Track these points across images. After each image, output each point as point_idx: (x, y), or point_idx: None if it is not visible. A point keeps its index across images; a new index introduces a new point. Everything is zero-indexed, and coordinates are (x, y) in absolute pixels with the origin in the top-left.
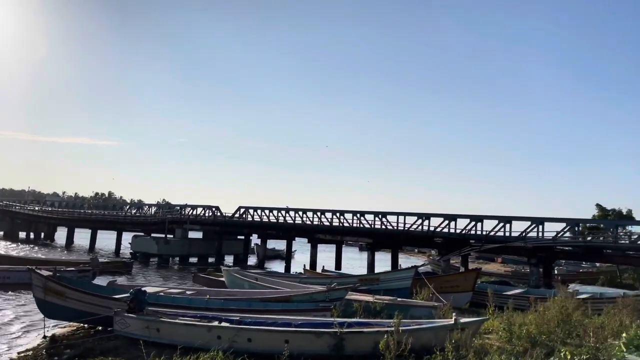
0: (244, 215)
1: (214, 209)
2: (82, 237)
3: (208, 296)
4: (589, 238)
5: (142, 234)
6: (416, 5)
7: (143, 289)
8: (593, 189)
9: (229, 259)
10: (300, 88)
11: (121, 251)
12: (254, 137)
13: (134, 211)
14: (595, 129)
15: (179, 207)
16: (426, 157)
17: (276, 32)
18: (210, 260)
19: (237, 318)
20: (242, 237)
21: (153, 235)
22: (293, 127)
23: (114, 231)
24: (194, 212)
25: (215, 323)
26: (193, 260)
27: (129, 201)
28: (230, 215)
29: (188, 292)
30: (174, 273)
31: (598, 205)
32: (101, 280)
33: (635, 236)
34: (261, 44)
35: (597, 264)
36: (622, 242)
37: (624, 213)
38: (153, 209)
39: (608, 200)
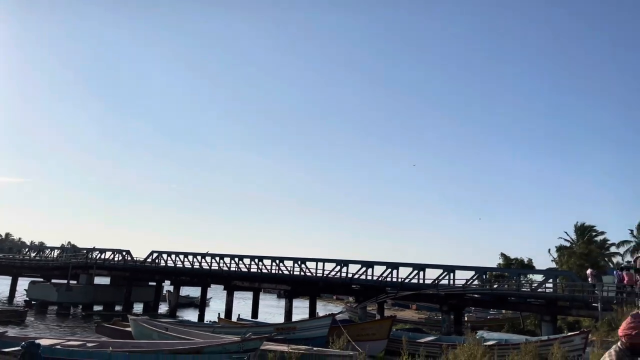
0: (156, 261)
1: (124, 253)
2: None
3: (111, 348)
4: (495, 286)
5: (42, 279)
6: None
7: (37, 341)
8: (497, 239)
9: (138, 307)
10: (228, 132)
11: (15, 299)
12: (173, 181)
13: (34, 254)
14: (497, 182)
15: (85, 251)
16: (345, 203)
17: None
18: (118, 308)
19: None
20: (154, 284)
21: (54, 281)
22: (219, 172)
23: (9, 277)
24: (103, 257)
25: None
26: (98, 308)
27: (28, 243)
28: (142, 260)
29: (89, 345)
30: (76, 323)
31: (502, 255)
32: None
33: (535, 284)
34: (193, 84)
35: (503, 311)
36: (524, 289)
37: (526, 262)
38: (56, 252)
39: (511, 249)
